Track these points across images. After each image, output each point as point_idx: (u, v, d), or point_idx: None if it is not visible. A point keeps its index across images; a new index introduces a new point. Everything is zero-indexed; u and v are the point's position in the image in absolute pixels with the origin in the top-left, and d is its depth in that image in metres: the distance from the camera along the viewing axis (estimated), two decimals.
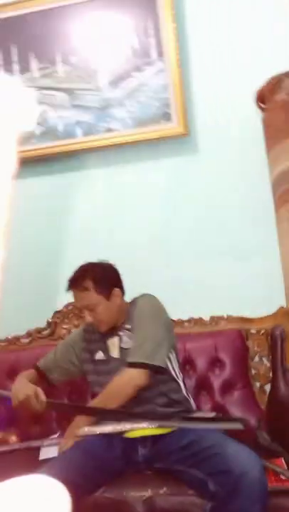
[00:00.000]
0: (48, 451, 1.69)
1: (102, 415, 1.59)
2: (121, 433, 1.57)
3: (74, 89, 2.21)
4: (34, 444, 1.81)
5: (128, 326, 1.65)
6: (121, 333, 1.66)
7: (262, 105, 2.10)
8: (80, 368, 1.77)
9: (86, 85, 2.20)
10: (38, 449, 1.76)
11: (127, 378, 1.54)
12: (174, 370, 1.66)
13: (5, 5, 2.20)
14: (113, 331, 1.68)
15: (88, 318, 1.61)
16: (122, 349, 1.65)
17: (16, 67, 2.23)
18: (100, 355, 1.70)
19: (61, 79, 2.22)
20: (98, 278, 1.61)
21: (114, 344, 1.66)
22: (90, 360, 1.70)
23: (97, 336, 1.72)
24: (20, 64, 2.22)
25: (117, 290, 1.65)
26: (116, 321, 1.66)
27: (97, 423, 1.61)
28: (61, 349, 1.81)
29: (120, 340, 1.66)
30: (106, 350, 1.68)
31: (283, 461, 1.52)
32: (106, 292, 1.62)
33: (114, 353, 1.66)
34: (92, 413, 1.63)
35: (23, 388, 1.60)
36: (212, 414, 1.67)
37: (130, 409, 1.60)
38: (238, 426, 1.45)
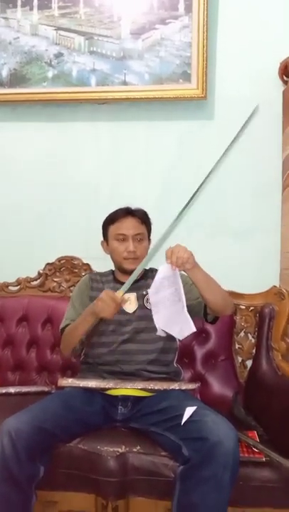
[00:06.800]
0: None
1: None
2: (104, 389, 1.59)
3: (93, 34, 2.10)
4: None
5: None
6: (144, 293, 1.68)
7: (285, 78, 2.03)
8: None
9: (106, 32, 2.09)
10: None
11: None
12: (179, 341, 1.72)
13: None
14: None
15: (131, 247, 1.68)
16: (143, 307, 1.68)
17: (35, 1, 2.11)
18: None
19: (81, 21, 2.11)
20: (150, 222, 1.78)
21: (130, 299, 1.68)
22: None
23: (107, 285, 1.75)
24: None
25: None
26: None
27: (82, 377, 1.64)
28: (76, 300, 1.79)
29: (141, 298, 1.69)
30: None
31: (256, 434, 1.55)
32: (149, 236, 1.77)
33: (129, 307, 1.67)
34: None
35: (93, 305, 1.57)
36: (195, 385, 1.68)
37: (121, 367, 1.63)
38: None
